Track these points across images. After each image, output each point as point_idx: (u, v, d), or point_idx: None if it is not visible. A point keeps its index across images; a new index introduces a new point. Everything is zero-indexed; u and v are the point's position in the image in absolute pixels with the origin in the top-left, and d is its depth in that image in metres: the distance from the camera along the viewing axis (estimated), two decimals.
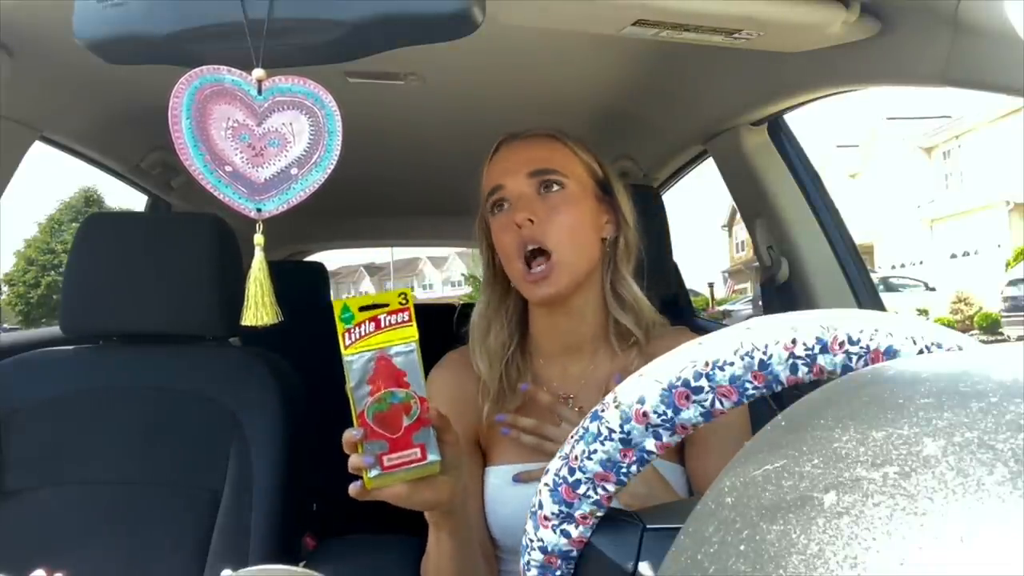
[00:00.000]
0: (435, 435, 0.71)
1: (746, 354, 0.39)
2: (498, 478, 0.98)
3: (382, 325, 0.69)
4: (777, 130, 1.44)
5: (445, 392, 0.98)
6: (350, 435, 0.69)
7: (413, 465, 0.70)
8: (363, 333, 0.69)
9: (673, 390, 0.40)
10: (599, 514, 0.43)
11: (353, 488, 0.71)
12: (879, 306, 1.45)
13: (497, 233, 0.98)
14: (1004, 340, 11.28)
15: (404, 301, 0.69)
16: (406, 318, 0.69)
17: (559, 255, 0.93)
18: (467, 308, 1.08)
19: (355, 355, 0.68)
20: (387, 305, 0.69)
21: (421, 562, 0.91)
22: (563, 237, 0.94)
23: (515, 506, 0.94)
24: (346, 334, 0.68)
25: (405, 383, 0.69)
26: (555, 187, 0.96)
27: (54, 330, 1.54)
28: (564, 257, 0.93)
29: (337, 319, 0.68)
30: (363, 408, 0.68)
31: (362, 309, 0.69)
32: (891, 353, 0.37)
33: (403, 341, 0.69)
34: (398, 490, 0.71)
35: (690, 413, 0.40)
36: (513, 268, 0.96)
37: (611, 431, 0.41)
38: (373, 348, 0.68)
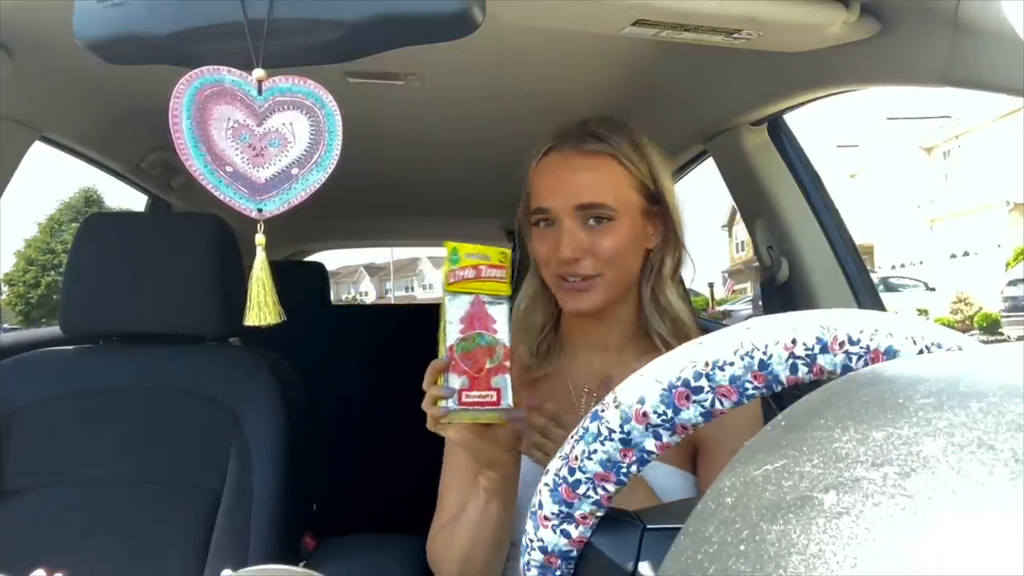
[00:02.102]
0: (512, 386, 0.75)
1: (746, 354, 0.39)
2: None
3: (481, 275, 0.75)
4: (777, 130, 1.43)
5: None
6: (437, 363, 0.73)
7: (488, 407, 0.74)
8: (464, 276, 0.75)
9: (673, 390, 0.40)
10: (599, 514, 0.43)
11: (432, 415, 0.74)
12: (879, 306, 1.45)
13: (536, 242, 0.98)
14: (1004, 340, 11.27)
15: (504, 259, 0.76)
16: (502, 275, 0.75)
17: (601, 276, 0.94)
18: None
19: (455, 293, 0.74)
20: (488, 257, 0.75)
21: (429, 538, 0.96)
22: (606, 263, 0.94)
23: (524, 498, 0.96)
24: (450, 273, 0.74)
25: (493, 329, 0.74)
26: (604, 221, 0.94)
27: (54, 330, 1.54)
28: (606, 278, 0.94)
29: (446, 259, 0.75)
30: (453, 342, 0.73)
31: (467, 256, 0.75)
32: (891, 353, 0.37)
33: (497, 293, 0.75)
34: (466, 435, 0.76)
35: (690, 413, 0.40)
36: (548, 274, 0.97)
37: (611, 431, 0.41)
38: (471, 292, 0.74)
